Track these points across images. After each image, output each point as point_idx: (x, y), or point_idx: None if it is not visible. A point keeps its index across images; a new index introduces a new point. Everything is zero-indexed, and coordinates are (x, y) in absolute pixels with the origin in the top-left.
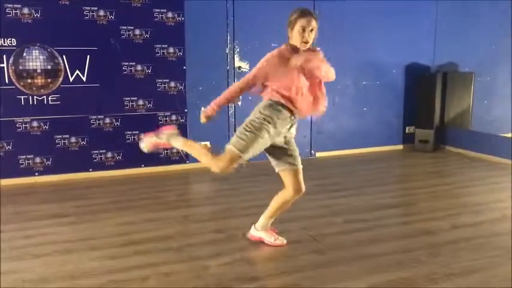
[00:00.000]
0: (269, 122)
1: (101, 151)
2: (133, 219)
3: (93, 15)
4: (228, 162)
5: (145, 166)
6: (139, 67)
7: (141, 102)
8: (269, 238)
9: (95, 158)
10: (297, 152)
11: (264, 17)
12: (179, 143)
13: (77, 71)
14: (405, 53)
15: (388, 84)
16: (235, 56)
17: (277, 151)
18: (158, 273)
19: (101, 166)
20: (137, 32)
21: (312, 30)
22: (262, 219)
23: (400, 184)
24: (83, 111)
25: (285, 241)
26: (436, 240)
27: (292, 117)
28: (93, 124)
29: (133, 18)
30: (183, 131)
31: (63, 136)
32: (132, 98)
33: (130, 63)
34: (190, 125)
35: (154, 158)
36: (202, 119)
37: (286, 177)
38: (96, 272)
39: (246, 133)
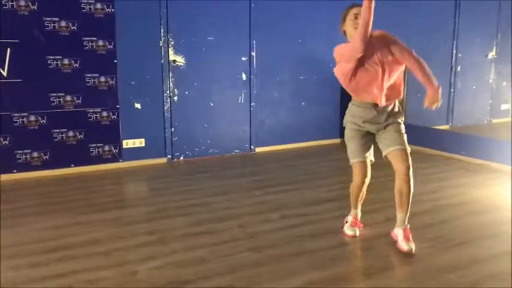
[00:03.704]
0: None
1: (25, 151)
2: (59, 223)
3: (12, 5)
4: (355, 175)
5: (75, 166)
6: (66, 61)
7: (69, 98)
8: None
9: (19, 159)
10: (391, 136)
11: (199, 9)
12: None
13: None
14: None
15: (325, 79)
16: (169, 49)
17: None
18: (81, 281)
19: (26, 167)
20: (63, 23)
21: None
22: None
23: (337, 178)
24: (4, 109)
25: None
26: (372, 233)
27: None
28: (17, 122)
29: (58, 8)
30: (115, 128)
31: None
32: (59, 94)
33: (57, 57)
34: (123, 122)
35: (85, 156)
36: None
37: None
38: (10, 284)
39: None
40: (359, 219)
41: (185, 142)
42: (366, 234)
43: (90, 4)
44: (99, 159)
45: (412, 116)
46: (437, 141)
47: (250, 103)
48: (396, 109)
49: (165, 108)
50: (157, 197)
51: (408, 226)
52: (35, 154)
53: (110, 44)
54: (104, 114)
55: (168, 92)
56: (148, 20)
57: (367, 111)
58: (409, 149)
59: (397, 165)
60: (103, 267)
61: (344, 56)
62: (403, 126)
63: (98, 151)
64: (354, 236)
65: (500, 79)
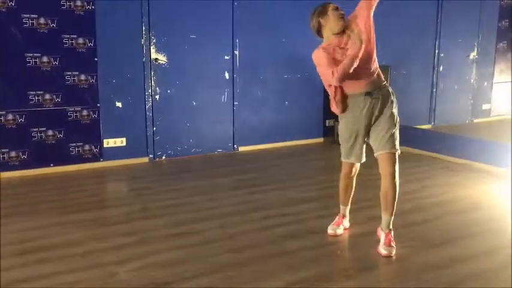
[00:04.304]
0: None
1: (3, 150)
2: (37, 224)
3: None
4: (343, 168)
5: (54, 165)
6: (45, 59)
7: (48, 96)
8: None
9: None
10: (382, 137)
11: (181, 7)
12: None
13: None
14: None
15: (309, 78)
16: (151, 47)
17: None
18: (60, 283)
19: (4, 166)
20: (42, 20)
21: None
22: None
23: (320, 177)
24: None
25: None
26: (352, 233)
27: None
28: None
29: (36, 5)
30: (96, 127)
31: None
32: (38, 92)
33: (35, 55)
34: (104, 121)
35: (65, 156)
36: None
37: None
38: None
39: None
40: (344, 217)
41: (167, 141)
42: (348, 234)
43: (70, 1)
44: (79, 159)
45: None
46: (420, 140)
47: (233, 102)
48: (390, 95)
49: (147, 107)
50: (139, 197)
51: (392, 231)
52: (13, 153)
53: (90, 42)
54: (84, 113)
55: (149, 90)
56: (130, 17)
57: (360, 101)
58: (398, 151)
59: (383, 168)
60: (82, 269)
61: (320, 68)
62: (396, 115)
63: (78, 150)
64: (335, 235)
65: (482, 79)
